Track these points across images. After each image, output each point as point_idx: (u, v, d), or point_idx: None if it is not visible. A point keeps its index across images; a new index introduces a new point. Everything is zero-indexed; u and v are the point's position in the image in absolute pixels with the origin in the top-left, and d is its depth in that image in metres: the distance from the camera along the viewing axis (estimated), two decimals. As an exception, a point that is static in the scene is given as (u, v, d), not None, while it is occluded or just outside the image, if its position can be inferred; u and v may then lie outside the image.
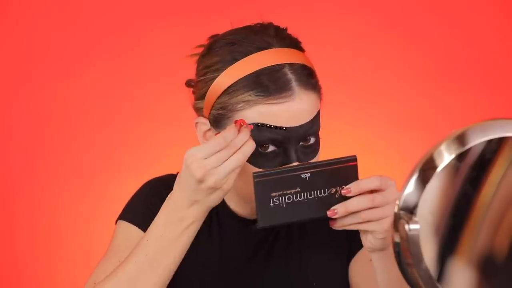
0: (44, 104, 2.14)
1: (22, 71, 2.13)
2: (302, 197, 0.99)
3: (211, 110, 1.08)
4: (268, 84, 1.04)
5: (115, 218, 1.19)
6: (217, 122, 1.08)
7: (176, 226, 1.01)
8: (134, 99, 2.17)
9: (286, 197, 0.98)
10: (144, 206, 1.16)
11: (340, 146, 2.06)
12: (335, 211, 0.99)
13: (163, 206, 1.03)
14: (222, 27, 1.14)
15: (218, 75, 1.06)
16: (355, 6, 2.19)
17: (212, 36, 1.15)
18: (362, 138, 2.17)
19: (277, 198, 0.98)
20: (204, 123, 1.11)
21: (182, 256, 1.03)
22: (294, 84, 1.04)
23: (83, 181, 2.15)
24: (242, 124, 1.00)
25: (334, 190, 1.00)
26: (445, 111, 2.18)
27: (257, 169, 1.04)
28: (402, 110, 2.20)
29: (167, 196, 1.15)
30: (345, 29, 2.13)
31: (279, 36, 1.09)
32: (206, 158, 0.97)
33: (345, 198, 1.00)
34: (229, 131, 0.99)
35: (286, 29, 1.11)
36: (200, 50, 1.15)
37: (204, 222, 1.16)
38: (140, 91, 2.16)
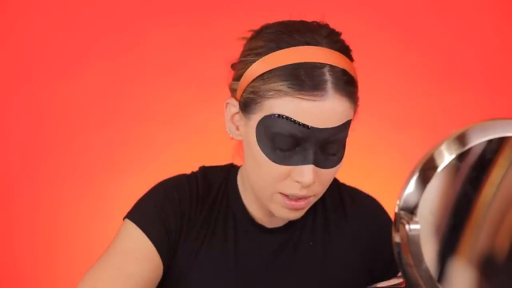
0: (44, 104, 2.14)
1: (22, 71, 2.13)
2: None
3: (243, 93, 1.06)
4: (303, 78, 1.01)
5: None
6: (246, 106, 1.05)
7: None
8: (134, 99, 2.17)
9: None
10: (154, 211, 1.12)
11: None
12: None
13: None
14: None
15: (258, 59, 1.04)
16: (355, 6, 2.19)
17: (266, 24, 1.12)
18: (362, 138, 2.17)
19: None
20: (234, 105, 1.08)
21: None
22: (329, 85, 1.01)
23: (83, 181, 2.15)
24: None
25: None
26: (446, 111, 2.18)
27: (271, 164, 1.02)
28: (402, 110, 2.20)
29: (178, 201, 1.13)
30: (345, 29, 2.12)
31: (331, 38, 1.06)
32: None
33: None
34: None
35: (340, 34, 1.09)
36: (250, 34, 1.11)
37: (221, 228, 1.15)
38: (140, 91, 2.16)
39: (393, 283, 0.93)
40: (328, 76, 1.02)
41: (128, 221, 1.12)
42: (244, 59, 1.07)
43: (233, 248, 1.14)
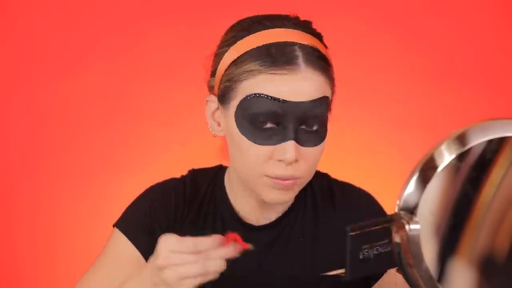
0: (44, 104, 2.14)
1: (22, 71, 2.13)
2: (389, 248, 0.97)
3: (219, 85, 1.07)
4: (274, 55, 1.02)
5: (115, 218, 1.17)
6: (223, 96, 1.06)
7: None
8: (134, 99, 2.17)
9: (375, 249, 0.97)
10: (142, 219, 1.14)
11: (340, 146, 2.06)
12: None
13: (146, 265, 0.99)
14: (222, 27, 1.14)
15: (230, 48, 1.06)
16: (355, 6, 2.19)
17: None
18: (362, 138, 2.17)
19: (366, 250, 0.96)
20: (214, 101, 1.09)
21: None
22: (301, 60, 1.03)
23: (83, 181, 2.15)
24: (235, 240, 0.96)
25: None
26: (445, 111, 2.18)
27: (254, 145, 1.03)
28: (402, 110, 2.20)
29: (164, 206, 1.14)
30: (345, 29, 2.12)
31: (301, 24, 1.08)
32: (173, 252, 0.93)
33: None
34: (206, 240, 0.94)
35: (311, 22, 1.10)
36: None
37: (209, 229, 1.14)
38: (140, 91, 2.16)
39: (336, 273, 0.94)
40: (298, 52, 1.03)
41: (116, 230, 1.14)
42: (217, 52, 1.09)
43: None
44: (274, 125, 1.03)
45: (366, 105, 2.19)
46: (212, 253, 0.93)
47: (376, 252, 0.96)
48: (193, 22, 2.14)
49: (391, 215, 0.97)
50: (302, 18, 1.10)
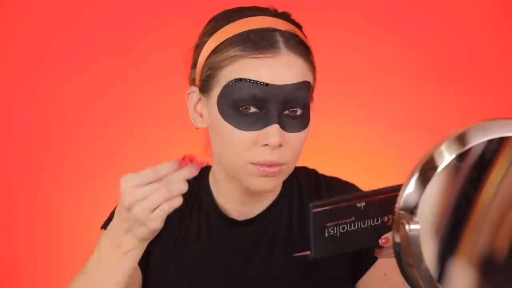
0: (44, 103, 2.14)
1: (22, 71, 2.13)
2: (356, 226, 0.95)
3: (200, 75, 1.07)
4: (255, 40, 1.03)
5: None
6: (205, 85, 1.07)
7: (114, 251, 0.98)
8: (134, 99, 2.17)
9: (341, 227, 0.96)
10: None
11: (340, 146, 2.06)
12: (386, 239, 0.95)
13: (107, 227, 1.00)
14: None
15: (210, 38, 1.07)
16: (355, 6, 2.19)
17: None
18: (362, 138, 2.17)
19: (332, 228, 0.96)
20: (195, 92, 1.09)
21: (125, 283, 1.00)
22: (281, 45, 1.03)
23: (83, 181, 2.15)
24: (191, 160, 0.97)
25: (386, 218, 0.97)
26: (445, 111, 2.18)
27: (237, 131, 1.03)
28: (402, 110, 2.20)
29: None
30: (345, 29, 2.12)
31: (281, 14, 1.09)
32: (137, 188, 0.94)
33: None
34: (165, 163, 0.95)
35: (289, 13, 1.11)
36: None
37: (194, 226, 1.15)
38: (140, 91, 2.16)
39: (303, 253, 0.94)
40: (279, 37, 1.04)
41: (103, 231, 1.13)
42: (197, 43, 1.10)
43: (208, 246, 1.14)
44: (257, 110, 1.03)
45: (366, 105, 2.19)
46: (173, 176, 0.95)
47: (343, 231, 0.95)
48: (193, 22, 2.14)
49: (356, 193, 0.96)
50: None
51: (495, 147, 0.77)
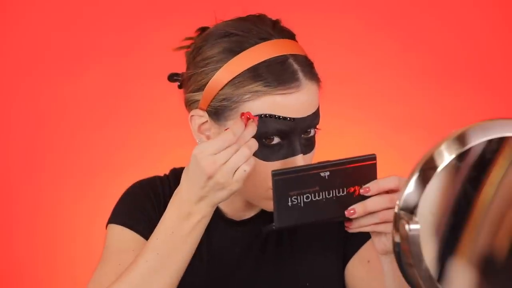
0: (44, 103, 2.14)
1: (22, 71, 2.13)
2: (321, 197, 0.96)
3: (211, 102, 1.06)
4: (275, 74, 1.03)
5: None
6: (219, 114, 1.06)
7: (185, 222, 0.99)
8: (134, 99, 2.17)
9: (305, 196, 0.95)
10: (135, 209, 1.14)
11: (340, 146, 2.06)
12: (353, 210, 0.98)
13: (170, 202, 1.02)
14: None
15: (221, 66, 1.05)
16: (355, 6, 2.19)
17: (202, 28, 1.14)
18: (362, 138, 2.17)
19: (295, 197, 0.95)
20: (201, 116, 1.08)
21: (192, 253, 1.02)
22: (300, 75, 1.04)
23: (83, 181, 2.15)
24: (248, 117, 0.99)
25: (352, 189, 0.97)
26: (445, 111, 2.18)
27: (262, 162, 1.03)
28: (402, 110, 2.20)
29: (155, 199, 1.15)
30: (345, 29, 2.12)
31: (277, 28, 1.08)
32: (216, 154, 0.96)
33: (363, 198, 0.98)
34: (237, 125, 0.98)
35: (280, 21, 1.11)
36: (188, 43, 1.14)
37: None
38: (140, 91, 2.16)
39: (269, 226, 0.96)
40: (295, 66, 1.05)
41: (112, 226, 1.14)
42: (204, 69, 1.07)
43: (206, 244, 1.14)
44: (280, 140, 1.04)
45: (366, 105, 2.19)
46: (245, 134, 0.98)
47: (307, 200, 0.95)
48: (193, 22, 2.14)
49: (319, 163, 0.97)
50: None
51: (495, 147, 0.77)
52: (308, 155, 1.06)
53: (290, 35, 1.09)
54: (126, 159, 2.15)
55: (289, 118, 1.02)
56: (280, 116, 1.02)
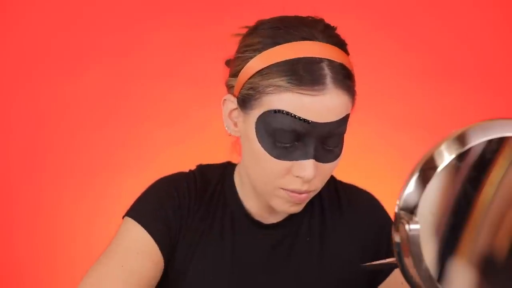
0: (44, 103, 2.14)
1: (22, 71, 2.14)
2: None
3: (241, 89, 1.06)
4: (303, 73, 1.01)
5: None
6: (245, 102, 1.05)
7: None
8: (134, 99, 2.17)
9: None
10: (155, 208, 1.12)
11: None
12: None
13: None
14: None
15: (256, 55, 1.04)
16: (355, 6, 2.19)
17: (260, 20, 1.12)
18: (362, 138, 2.17)
19: None
20: (232, 101, 1.08)
21: None
22: (329, 80, 1.01)
23: (83, 181, 2.15)
24: None
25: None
26: (445, 111, 2.18)
27: (272, 159, 1.02)
28: (402, 110, 2.20)
29: (178, 200, 1.13)
30: (345, 29, 2.12)
31: (327, 33, 1.06)
32: None
33: None
34: None
35: (335, 28, 1.09)
36: (245, 31, 1.12)
37: (218, 223, 1.15)
38: (140, 91, 2.16)
39: (386, 261, 0.92)
40: (327, 71, 1.02)
41: (128, 219, 1.12)
42: (241, 55, 1.07)
43: (230, 244, 1.14)
44: (295, 142, 1.02)
45: (366, 105, 2.18)
46: None
47: None
48: (193, 22, 2.14)
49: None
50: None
51: (495, 147, 0.77)
52: (325, 164, 1.04)
53: (339, 43, 1.06)
54: (126, 159, 2.16)
55: (306, 120, 1.00)
56: (296, 116, 1.00)
